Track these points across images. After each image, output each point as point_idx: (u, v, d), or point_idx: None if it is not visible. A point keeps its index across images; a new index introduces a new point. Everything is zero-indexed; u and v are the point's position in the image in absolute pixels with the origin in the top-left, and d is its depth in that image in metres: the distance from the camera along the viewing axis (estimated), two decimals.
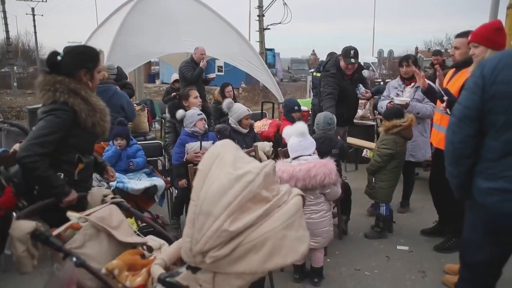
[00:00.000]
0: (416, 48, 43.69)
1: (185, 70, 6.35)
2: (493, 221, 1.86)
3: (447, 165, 1.99)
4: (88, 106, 2.27)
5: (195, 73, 6.29)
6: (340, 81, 4.59)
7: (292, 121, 4.57)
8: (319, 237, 3.02)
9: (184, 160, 3.68)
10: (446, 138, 1.96)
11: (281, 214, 1.42)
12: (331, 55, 7.14)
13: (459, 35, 3.29)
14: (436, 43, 44.84)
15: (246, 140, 4.24)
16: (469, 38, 2.83)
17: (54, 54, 2.27)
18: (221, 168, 1.47)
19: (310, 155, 3.01)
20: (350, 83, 4.71)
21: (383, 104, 4.36)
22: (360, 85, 4.73)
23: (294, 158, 3.03)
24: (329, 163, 2.93)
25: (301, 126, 3.07)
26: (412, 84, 4.28)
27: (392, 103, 4.17)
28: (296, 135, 3.03)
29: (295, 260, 1.43)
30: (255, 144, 4.08)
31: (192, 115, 3.66)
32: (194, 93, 4.02)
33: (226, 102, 4.37)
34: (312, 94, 7.01)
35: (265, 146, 4.20)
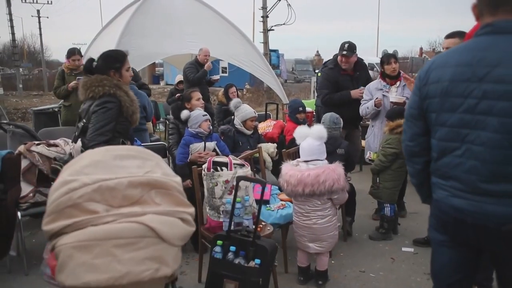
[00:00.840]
0: (421, 48, 43.68)
1: (188, 71, 6.36)
2: (443, 214, 1.82)
3: (406, 165, 2.03)
4: (128, 98, 2.72)
5: (197, 74, 6.29)
6: (336, 76, 4.60)
7: (296, 122, 4.57)
8: (325, 242, 3.00)
9: (188, 160, 3.67)
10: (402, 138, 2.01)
11: (81, 233, 1.33)
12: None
13: (449, 36, 3.26)
14: (440, 43, 44.89)
15: (250, 141, 4.23)
16: (465, 39, 2.80)
17: (90, 61, 2.77)
18: (64, 171, 1.48)
19: (322, 160, 2.97)
20: (350, 80, 4.65)
21: (366, 107, 4.24)
22: (361, 87, 4.58)
23: (305, 161, 2.97)
24: (338, 168, 2.90)
25: (321, 129, 3.00)
26: (397, 83, 4.21)
27: (378, 99, 4.12)
28: (315, 138, 2.95)
29: (72, 285, 1.30)
30: (259, 145, 4.07)
31: (197, 116, 3.66)
32: (197, 95, 4.02)
33: (234, 101, 4.38)
34: (316, 95, 6.99)
35: (269, 148, 4.20)
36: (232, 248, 2.46)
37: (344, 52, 4.51)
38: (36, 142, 3.80)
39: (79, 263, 1.28)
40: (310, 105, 7.56)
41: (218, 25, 9.70)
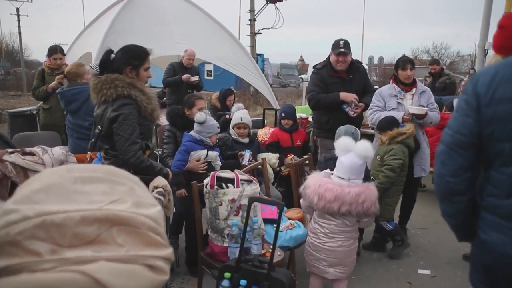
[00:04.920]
0: (404, 55, 44.26)
1: (165, 71, 6.07)
2: (497, 264, 1.46)
3: (439, 201, 1.60)
4: (145, 96, 2.49)
5: (170, 79, 5.95)
6: (323, 76, 4.03)
7: (282, 128, 4.25)
8: (346, 267, 2.66)
9: (185, 169, 3.29)
10: (435, 170, 1.57)
11: (12, 281, 0.99)
12: None
13: None
14: (423, 51, 45.40)
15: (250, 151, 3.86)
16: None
17: (109, 52, 2.53)
18: (15, 194, 1.14)
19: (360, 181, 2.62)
20: (340, 83, 4.02)
21: (379, 117, 3.66)
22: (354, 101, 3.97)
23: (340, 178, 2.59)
24: (375, 190, 2.58)
25: (367, 146, 2.57)
26: (413, 90, 3.76)
27: (407, 115, 3.61)
28: (359, 156, 2.54)
29: None
30: (263, 157, 3.71)
31: (213, 126, 3.27)
32: (200, 103, 3.60)
33: (236, 107, 4.04)
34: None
35: (271, 158, 3.84)
36: (243, 282, 2.08)
37: (342, 50, 3.92)
38: (10, 150, 3.35)
39: None
40: (304, 110, 7.25)
41: (207, 26, 9.41)
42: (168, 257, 1.24)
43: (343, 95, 3.93)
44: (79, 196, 1.16)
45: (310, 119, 6.35)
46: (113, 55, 2.52)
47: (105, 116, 2.46)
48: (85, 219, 1.13)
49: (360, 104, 3.99)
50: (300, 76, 31.29)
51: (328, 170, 2.73)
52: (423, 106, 3.67)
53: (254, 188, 2.52)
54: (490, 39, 12.26)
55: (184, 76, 5.87)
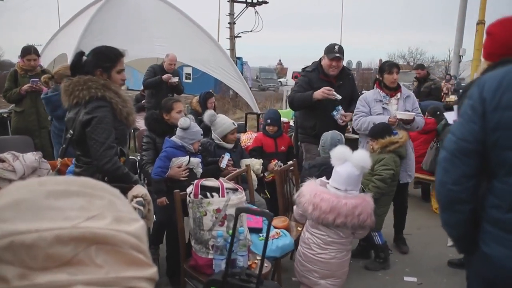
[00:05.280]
0: (380, 60, 44.83)
1: (146, 73, 5.93)
2: (498, 277, 1.42)
3: (440, 211, 1.55)
4: (120, 98, 2.36)
5: (150, 80, 5.79)
6: (313, 80, 3.90)
7: (266, 134, 4.16)
8: (338, 279, 2.59)
9: (166, 176, 3.16)
10: (436, 178, 1.51)
11: None
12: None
13: None
14: (399, 56, 46.27)
15: (233, 156, 3.75)
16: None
17: (80, 54, 2.39)
18: None
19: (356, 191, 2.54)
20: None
21: (366, 121, 3.61)
22: (340, 107, 3.92)
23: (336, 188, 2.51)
24: (371, 201, 2.50)
25: (365, 156, 2.49)
26: (398, 94, 3.71)
27: (393, 119, 3.54)
28: (356, 166, 2.45)
29: None
30: (244, 161, 3.61)
31: (196, 133, 3.13)
32: (179, 106, 3.47)
33: (208, 115, 3.82)
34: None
35: (255, 164, 3.73)
36: None
37: (337, 55, 3.82)
38: None
39: None
40: (286, 114, 7.19)
41: (187, 29, 9.27)
42: (153, 277, 1.12)
43: (316, 94, 3.77)
44: (53, 213, 1.02)
45: (291, 123, 6.29)
46: (84, 57, 2.39)
47: (78, 119, 2.30)
48: (59, 238, 0.99)
49: (348, 113, 3.93)
50: (279, 80, 31.38)
51: (324, 178, 2.65)
52: (408, 111, 3.62)
53: (240, 197, 2.42)
54: (465, 45, 12.34)
55: (165, 76, 5.70)
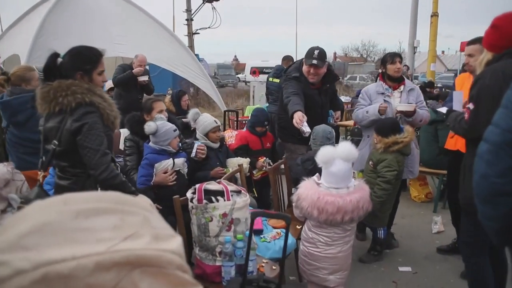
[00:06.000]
0: (335, 53, 45.85)
1: (116, 71, 5.67)
2: None
3: (479, 204, 1.52)
4: (106, 102, 2.22)
5: (120, 76, 5.55)
6: (304, 87, 3.65)
7: (255, 134, 4.06)
8: (345, 272, 2.59)
9: (152, 183, 3.00)
10: (477, 171, 1.49)
11: None
12: (287, 58, 6.81)
13: (471, 42, 2.98)
14: (353, 49, 47.52)
15: (219, 156, 3.63)
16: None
17: (54, 56, 2.19)
18: None
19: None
20: (318, 94, 3.77)
21: (364, 111, 3.55)
22: (331, 111, 3.91)
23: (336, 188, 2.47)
24: (367, 187, 2.51)
25: (349, 147, 2.46)
26: (401, 87, 3.61)
27: (383, 105, 3.46)
28: (345, 159, 2.42)
29: None
30: (234, 162, 3.50)
31: (167, 132, 2.98)
32: (160, 106, 3.32)
33: (192, 113, 3.69)
34: (268, 101, 6.51)
35: (242, 163, 3.63)
36: None
37: (314, 62, 3.53)
38: None
39: None
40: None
41: (147, 26, 8.97)
42: None
43: (294, 116, 3.35)
44: (84, 235, 0.87)
45: None
46: (59, 59, 2.20)
47: (64, 129, 2.14)
48: (100, 265, 0.84)
49: (337, 112, 4.01)
50: (237, 76, 31.19)
51: (315, 178, 2.60)
52: (410, 104, 3.53)
53: (245, 200, 2.31)
54: (418, 37, 12.77)
55: (136, 70, 5.44)
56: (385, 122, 3.37)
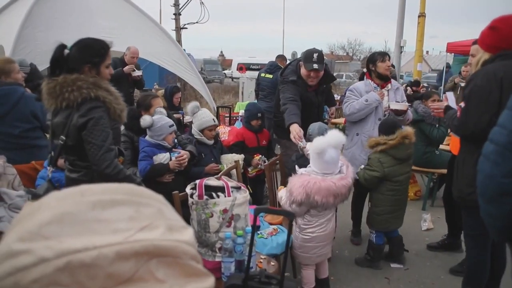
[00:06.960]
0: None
1: None
2: None
3: (482, 203, 1.55)
4: (112, 96, 2.20)
5: (112, 73, 5.44)
6: (302, 90, 3.60)
7: (251, 129, 4.06)
8: (329, 246, 2.92)
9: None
10: (483, 171, 1.51)
11: None
12: (281, 57, 6.81)
13: (476, 42, 3.04)
14: (339, 47, 47.84)
15: (214, 152, 3.62)
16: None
17: (61, 47, 2.15)
18: (11, 231, 0.88)
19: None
20: (315, 95, 3.74)
21: (353, 105, 3.54)
22: (326, 107, 3.92)
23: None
24: (347, 162, 2.82)
25: (337, 134, 2.66)
26: (388, 85, 3.67)
27: (381, 92, 3.54)
28: (335, 146, 2.62)
29: None
30: (229, 158, 3.50)
31: (163, 127, 2.96)
32: (158, 102, 3.28)
33: (191, 106, 3.66)
34: (258, 97, 6.49)
35: (238, 160, 3.63)
36: None
37: (315, 66, 3.46)
38: None
39: None
40: (243, 107, 7.12)
41: (136, 20, 8.88)
42: (212, 287, 1.02)
43: (291, 129, 3.29)
44: (101, 225, 0.87)
45: None
46: (66, 51, 2.16)
47: (71, 124, 2.13)
48: (121, 254, 0.85)
49: (332, 114, 4.11)
50: (223, 72, 31.04)
51: (302, 170, 2.74)
52: (398, 102, 3.62)
53: (245, 196, 2.32)
54: (405, 37, 12.88)
55: (127, 68, 5.38)
56: (389, 121, 3.41)
